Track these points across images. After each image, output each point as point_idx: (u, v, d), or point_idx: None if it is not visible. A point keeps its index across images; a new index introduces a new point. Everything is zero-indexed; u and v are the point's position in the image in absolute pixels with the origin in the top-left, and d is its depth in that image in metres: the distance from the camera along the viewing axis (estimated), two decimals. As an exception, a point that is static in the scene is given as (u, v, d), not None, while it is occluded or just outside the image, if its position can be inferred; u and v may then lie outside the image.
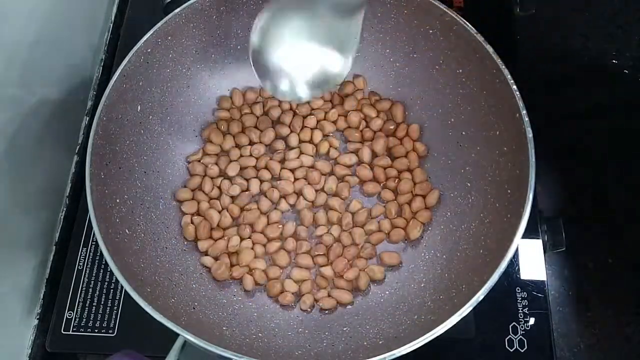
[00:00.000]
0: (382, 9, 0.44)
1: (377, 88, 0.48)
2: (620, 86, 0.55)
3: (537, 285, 0.42)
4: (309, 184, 0.44)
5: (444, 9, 0.40)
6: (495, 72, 0.38)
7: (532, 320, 0.41)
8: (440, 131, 0.45)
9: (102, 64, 0.53)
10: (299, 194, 0.44)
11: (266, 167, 0.45)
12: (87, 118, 0.51)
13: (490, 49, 0.38)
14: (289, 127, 0.46)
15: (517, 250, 0.34)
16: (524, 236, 0.34)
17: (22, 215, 0.42)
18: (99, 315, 0.42)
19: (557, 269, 0.48)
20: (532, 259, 0.43)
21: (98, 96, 0.51)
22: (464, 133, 0.43)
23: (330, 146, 0.46)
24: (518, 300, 0.42)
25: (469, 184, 0.42)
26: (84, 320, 0.42)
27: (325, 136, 0.46)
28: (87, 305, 0.43)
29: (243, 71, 0.47)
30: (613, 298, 0.47)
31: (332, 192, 0.44)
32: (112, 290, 0.43)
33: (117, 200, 0.38)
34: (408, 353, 0.31)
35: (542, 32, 0.58)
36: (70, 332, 0.42)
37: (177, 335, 0.31)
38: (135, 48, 0.40)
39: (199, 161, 0.45)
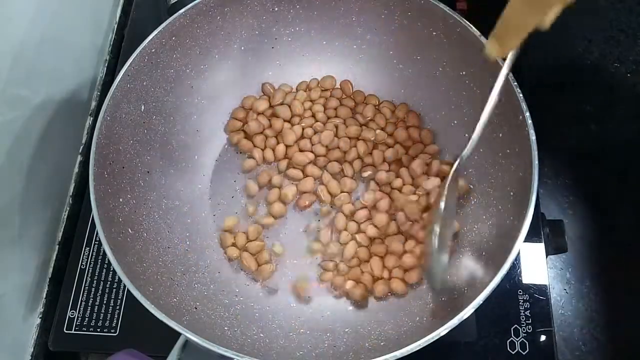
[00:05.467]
0: (385, 11, 0.44)
1: (380, 89, 0.48)
2: (623, 90, 0.55)
3: (539, 288, 0.42)
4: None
5: (448, 11, 0.40)
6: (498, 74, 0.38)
7: (533, 323, 0.41)
8: (443, 133, 0.45)
9: (106, 65, 0.54)
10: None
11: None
12: (91, 118, 0.51)
13: (493, 52, 0.38)
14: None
15: (519, 253, 0.33)
16: (527, 239, 0.33)
17: (25, 214, 0.42)
18: (102, 314, 0.43)
19: (559, 272, 0.48)
20: (534, 262, 0.43)
21: (102, 96, 0.51)
22: (467, 135, 0.43)
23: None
24: (520, 303, 0.42)
25: (471, 186, 0.42)
26: (87, 319, 0.42)
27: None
28: (89, 304, 0.43)
29: (245, 72, 0.47)
30: (615, 301, 0.47)
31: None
32: (114, 289, 0.43)
33: (120, 200, 0.38)
34: (410, 355, 0.31)
35: (544, 36, 0.57)
36: (73, 331, 0.42)
37: (179, 334, 0.31)
38: (139, 48, 0.40)
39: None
